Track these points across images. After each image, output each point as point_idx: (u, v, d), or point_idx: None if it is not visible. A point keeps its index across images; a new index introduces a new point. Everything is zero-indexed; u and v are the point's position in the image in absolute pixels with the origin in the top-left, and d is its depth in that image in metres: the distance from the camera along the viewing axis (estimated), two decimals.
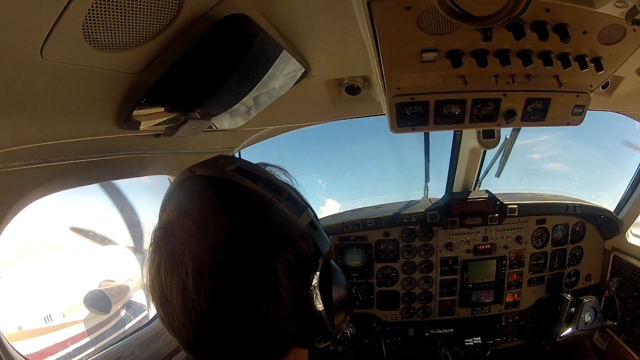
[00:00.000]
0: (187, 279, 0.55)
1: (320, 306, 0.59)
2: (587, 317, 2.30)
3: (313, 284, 0.59)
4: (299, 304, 0.59)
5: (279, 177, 0.70)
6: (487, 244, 2.39)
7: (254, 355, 0.60)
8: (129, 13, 0.68)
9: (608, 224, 2.49)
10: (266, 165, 0.72)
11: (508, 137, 2.26)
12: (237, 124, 1.52)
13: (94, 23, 0.65)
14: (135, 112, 0.99)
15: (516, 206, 2.34)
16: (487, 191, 2.39)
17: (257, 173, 0.63)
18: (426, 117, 1.32)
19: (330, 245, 0.67)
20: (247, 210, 0.59)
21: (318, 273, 0.60)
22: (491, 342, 2.34)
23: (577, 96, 1.29)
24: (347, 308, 0.66)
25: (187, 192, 0.64)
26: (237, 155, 2.11)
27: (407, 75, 1.17)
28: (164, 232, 0.60)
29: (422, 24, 0.95)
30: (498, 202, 2.33)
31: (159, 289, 0.58)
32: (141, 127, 1.10)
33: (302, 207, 0.63)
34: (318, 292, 0.59)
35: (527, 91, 1.26)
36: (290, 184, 0.71)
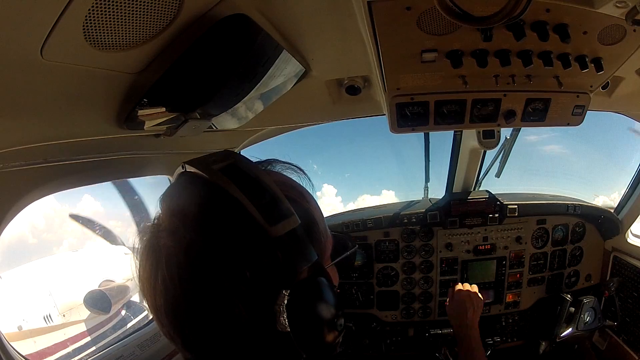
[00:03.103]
0: (157, 282, 0.55)
1: (286, 328, 0.53)
2: (587, 318, 2.30)
3: (279, 302, 0.53)
4: (263, 323, 0.54)
5: (282, 175, 0.67)
6: (487, 244, 2.38)
7: None
8: (129, 13, 0.68)
9: (608, 224, 2.49)
10: (270, 162, 0.69)
11: (508, 138, 2.26)
12: (237, 124, 1.52)
13: (94, 23, 0.65)
14: (135, 112, 0.99)
15: (516, 206, 2.34)
16: (487, 191, 2.39)
17: (249, 173, 0.58)
18: (426, 117, 1.32)
19: (321, 256, 0.61)
20: (214, 217, 0.56)
21: (288, 292, 0.53)
22: (491, 342, 2.34)
23: (577, 96, 1.29)
24: (325, 333, 0.57)
25: (172, 189, 0.63)
26: None
27: (407, 75, 1.17)
28: (150, 228, 0.60)
29: (422, 24, 0.95)
30: (498, 202, 2.33)
31: (140, 286, 0.60)
32: (141, 127, 1.10)
33: (284, 214, 0.55)
34: (285, 312, 0.53)
35: (527, 91, 1.26)
36: (291, 183, 0.67)
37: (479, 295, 1.77)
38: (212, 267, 0.53)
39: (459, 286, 1.85)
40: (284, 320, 0.53)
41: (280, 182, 0.62)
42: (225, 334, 0.56)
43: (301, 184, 0.70)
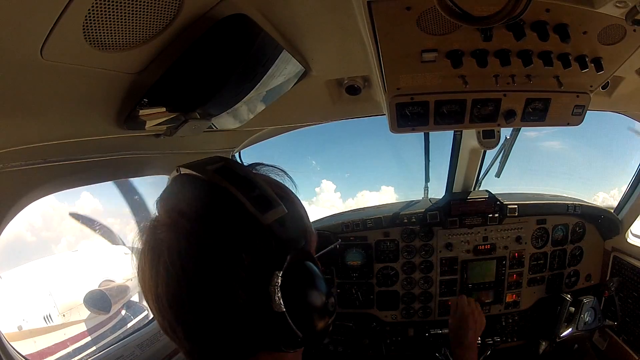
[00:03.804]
0: (159, 270, 0.58)
1: (282, 308, 0.57)
2: (587, 317, 2.30)
3: (273, 283, 0.57)
4: (260, 305, 0.57)
5: (266, 176, 0.71)
6: (487, 244, 2.38)
7: (218, 356, 0.62)
8: (129, 13, 0.68)
9: (608, 224, 2.49)
10: (255, 165, 0.73)
11: (508, 137, 2.26)
12: (237, 124, 1.52)
13: (94, 23, 0.65)
14: (135, 112, 0.99)
15: (516, 206, 2.34)
16: (487, 191, 2.39)
17: (240, 173, 0.63)
18: (426, 117, 1.32)
19: (307, 245, 0.66)
20: (211, 209, 0.60)
21: (281, 273, 0.58)
22: (491, 342, 2.34)
23: (577, 96, 1.30)
24: (317, 313, 0.62)
25: (168, 190, 0.67)
26: (237, 155, 2.11)
27: (407, 75, 1.17)
28: (149, 226, 0.63)
29: (422, 24, 0.95)
30: (498, 202, 2.33)
31: (141, 276, 0.63)
32: (141, 127, 1.10)
33: (273, 205, 0.61)
34: (280, 292, 0.57)
35: (527, 91, 1.26)
36: (275, 182, 0.71)
37: (482, 315, 1.74)
38: (213, 252, 0.58)
39: (464, 299, 1.79)
40: (279, 299, 0.57)
41: (266, 181, 0.67)
42: (226, 317, 0.58)
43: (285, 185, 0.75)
